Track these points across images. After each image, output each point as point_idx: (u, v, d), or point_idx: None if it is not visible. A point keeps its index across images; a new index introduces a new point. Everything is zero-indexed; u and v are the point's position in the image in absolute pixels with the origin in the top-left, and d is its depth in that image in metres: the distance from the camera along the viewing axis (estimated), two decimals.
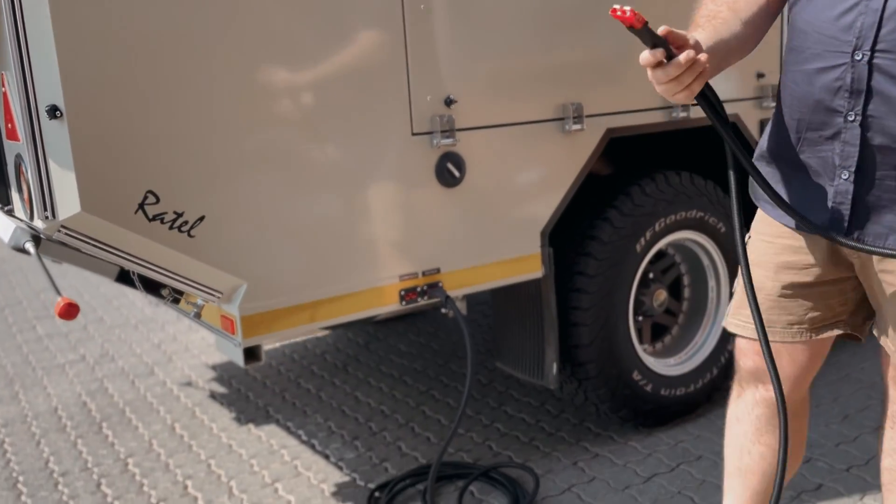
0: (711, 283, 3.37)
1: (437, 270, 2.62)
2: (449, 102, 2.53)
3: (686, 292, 3.43)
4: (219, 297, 2.30)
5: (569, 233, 3.02)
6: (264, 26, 2.20)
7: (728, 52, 1.71)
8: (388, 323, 4.68)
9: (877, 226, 1.72)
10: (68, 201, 2.05)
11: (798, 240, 1.87)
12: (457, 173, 2.58)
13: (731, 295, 2.11)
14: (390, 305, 2.55)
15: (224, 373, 4.11)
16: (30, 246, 2.35)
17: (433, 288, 2.61)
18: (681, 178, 3.13)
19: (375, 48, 2.39)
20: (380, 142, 2.44)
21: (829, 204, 1.76)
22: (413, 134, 2.50)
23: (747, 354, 2.02)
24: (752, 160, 1.96)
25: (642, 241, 3.05)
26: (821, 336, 1.95)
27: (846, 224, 1.74)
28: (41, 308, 5.31)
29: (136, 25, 2.02)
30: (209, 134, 2.16)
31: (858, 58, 1.63)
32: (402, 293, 2.56)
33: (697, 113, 3.09)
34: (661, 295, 3.27)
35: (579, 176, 2.85)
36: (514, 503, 2.78)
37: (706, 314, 3.39)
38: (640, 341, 3.25)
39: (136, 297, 5.44)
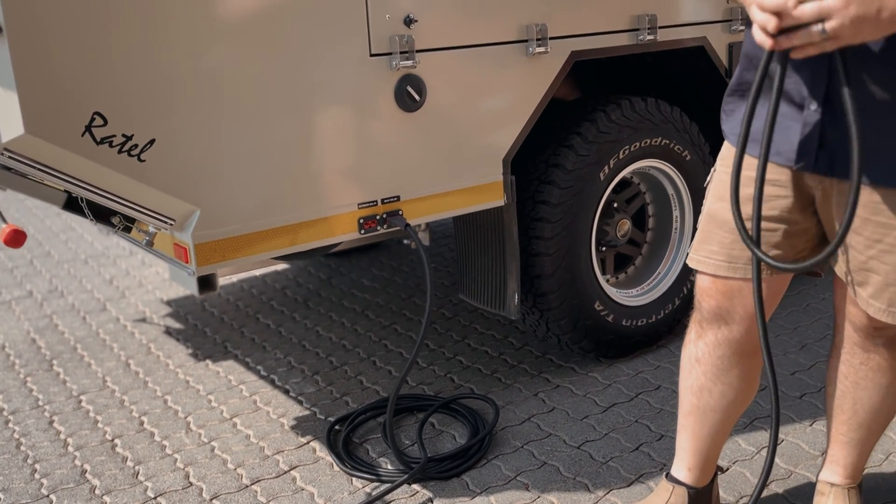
0: (676, 212, 3.34)
1: (397, 198, 2.55)
2: (409, 22, 2.44)
3: (650, 222, 3.40)
4: (171, 225, 2.21)
5: (532, 160, 2.96)
6: None
7: None
8: (351, 257, 4.61)
9: (843, 155, 1.69)
10: (11, 123, 1.94)
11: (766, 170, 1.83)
12: (417, 97, 2.49)
13: (695, 229, 2.06)
14: (349, 234, 2.48)
15: (180, 308, 4.02)
16: None
17: (393, 216, 2.54)
18: (647, 104, 3.08)
19: None
20: (337, 63, 2.34)
21: (799, 134, 1.73)
22: (371, 55, 2.40)
23: (710, 294, 1.97)
24: (726, 94, 1.92)
25: (606, 169, 3.00)
26: (782, 273, 1.92)
27: (815, 155, 1.72)
28: None
29: None
30: (159, 52, 2.05)
31: None
32: (361, 221, 2.49)
33: (664, 37, 3.03)
34: (625, 225, 3.24)
35: (543, 101, 2.78)
36: (474, 433, 2.77)
37: (670, 244, 3.36)
38: (603, 272, 3.23)
39: (86, 231, 5.30)
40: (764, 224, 1.87)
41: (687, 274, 3.34)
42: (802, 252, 1.92)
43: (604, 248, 3.24)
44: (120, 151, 2.05)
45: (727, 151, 1.95)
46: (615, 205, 3.23)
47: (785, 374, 3.10)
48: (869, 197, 1.71)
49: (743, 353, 2.02)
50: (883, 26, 1.45)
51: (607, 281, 3.22)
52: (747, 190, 1.87)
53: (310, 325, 3.80)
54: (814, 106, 1.69)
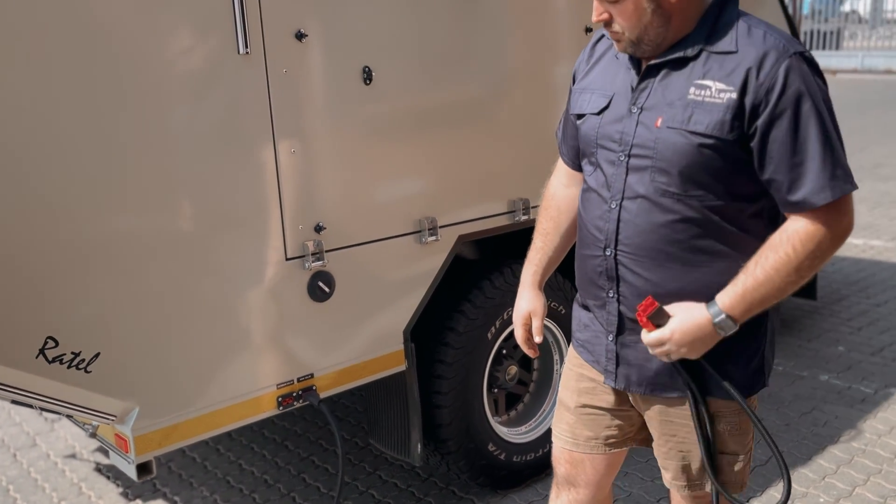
0: (556, 356, 3.81)
1: (311, 375, 2.94)
2: (319, 229, 2.85)
3: (535, 363, 3.86)
4: (113, 420, 2.55)
5: (430, 324, 3.38)
6: (148, 173, 2.46)
7: (553, 263, 2.41)
8: None
9: (634, 376, 2.19)
10: None
11: (593, 372, 2.30)
12: (327, 289, 2.90)
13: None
14: (269, 412, 2.85)
15: None
16: None
17: (307, 392, 2.93)
18: None
19: (252, 192, 2.68)
20: (258, 269, 2.73)
21: (604, 356, 2.22)
22: (287, 259, 2.80)
23: (560, 462, 2.42)
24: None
25: (493, 329, 3.45)
26: (615, 450, 2.37)
27: (615, 374, 2.20)
28: None
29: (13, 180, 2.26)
30: (100, 279, 2.42)
31: (608, 253, 2.10)
32: (279, 399, 2.86)
33: (536, 214, 3.50)
34: (513, 370, 3.69)
35: (436, 278, 3.22)
36: None
37: (552, 384, 3.82)
38: (496, 412, 3.65)
39: None
40: (594, 411, 2.33)
41: None
42: (630, 433, 2.37)
43: (496, 391, 3.67)
44: (69, 367, 2.40)
45: (571, 353, 2.41)
46: (504, 351, 3.67)
47: (651, 502, 3.56)
48: (661, 406, 2.18)
49: None
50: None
51: (499, 422, 3.65)
52: (582, 384, 2.34)
53: (233, 457, 4.12)
54: (610, 337, 2.18)
